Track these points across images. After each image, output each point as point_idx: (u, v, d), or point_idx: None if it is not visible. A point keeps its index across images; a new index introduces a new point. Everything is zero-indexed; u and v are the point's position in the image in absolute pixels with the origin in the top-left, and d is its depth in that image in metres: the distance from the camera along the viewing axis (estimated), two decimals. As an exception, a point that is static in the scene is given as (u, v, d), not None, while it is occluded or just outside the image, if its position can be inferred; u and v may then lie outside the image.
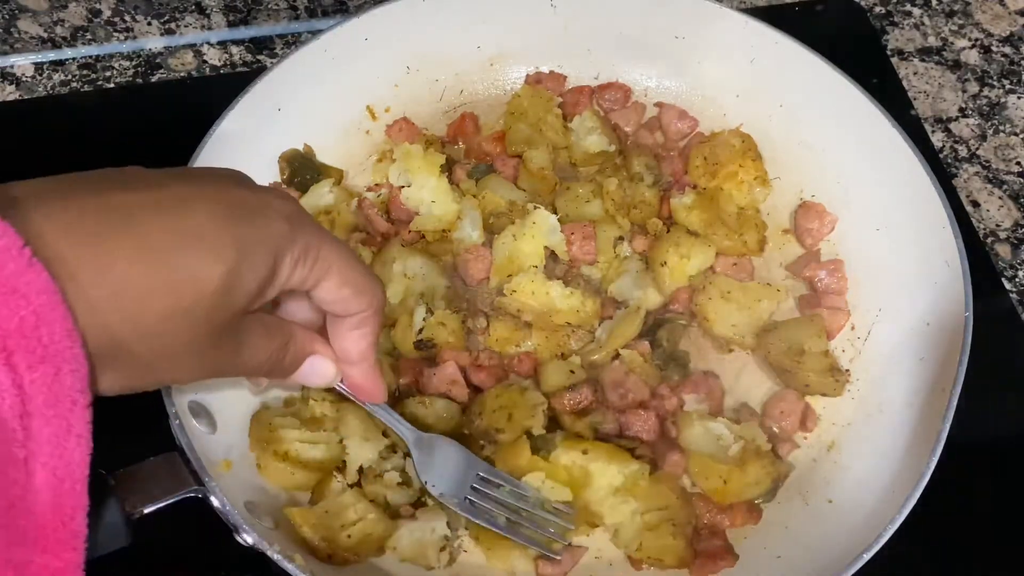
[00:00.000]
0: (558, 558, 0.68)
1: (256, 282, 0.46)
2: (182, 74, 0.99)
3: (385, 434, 0.71)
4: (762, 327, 0.78)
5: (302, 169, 0.84)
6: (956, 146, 0.99)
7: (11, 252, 0.37)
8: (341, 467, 0.71)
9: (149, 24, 1.02)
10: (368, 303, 0.53)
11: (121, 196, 0.43)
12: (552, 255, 0.81)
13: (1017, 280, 0.91)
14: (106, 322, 0.41)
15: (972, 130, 1.00)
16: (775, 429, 0.75)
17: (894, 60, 1.04)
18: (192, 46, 1.01)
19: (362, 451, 0.70)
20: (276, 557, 0.60)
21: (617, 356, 0.77)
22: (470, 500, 0.68)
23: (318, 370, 0.56)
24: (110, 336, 0.41)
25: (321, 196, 0.82)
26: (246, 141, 0.80)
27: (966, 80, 1.03)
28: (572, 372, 0.75)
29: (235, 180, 0.49)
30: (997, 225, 0.94)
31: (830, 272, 0.81)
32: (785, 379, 0.77)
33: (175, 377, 0.48)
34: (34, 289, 0.37)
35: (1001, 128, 1.00)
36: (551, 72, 0.92)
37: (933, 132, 0.99)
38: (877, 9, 1.08)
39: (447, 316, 0.77)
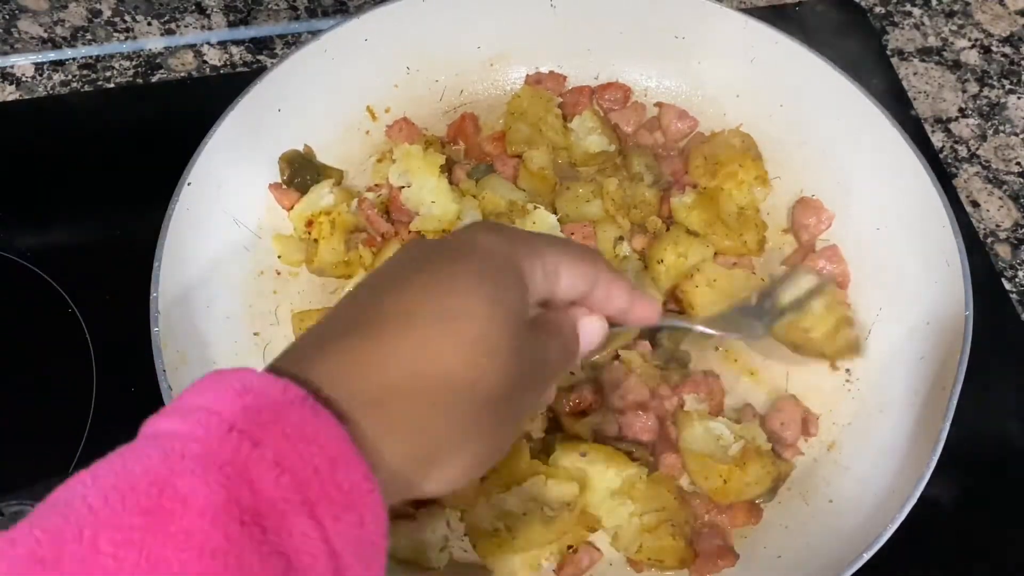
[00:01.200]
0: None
1: (514, 305, 0.44)
2: (182, 74, 0.99)
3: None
4: None
5: (302, 169, 0.84)
6: (956, 146, 0.99)
7: (296, 403, 0.37)
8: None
9: (149, 24, 1.02)
10: (596, 271, 0.51)
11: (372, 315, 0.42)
12: (552, 255, 0.81)
13: (1017, 280, 0.91)
14: (399, 450, 0.40)
15: (972, 130, 1.00)
16: (779, 438, 0.75)
17: (894, 60, 1.04)
18: (192, 46, 1.01)
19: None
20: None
21: (617, 357, 0.77)
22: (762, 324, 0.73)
23: (590, 332, 0.53)
24: (409, 458, 0.40)
25: (321, 196, 0.82)
26: (246, 141, 0.80)
27: (966, 80, 1.03)
28: (572, 373, 0.75)
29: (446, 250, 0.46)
30: (997, 225, 0.94)
31: (829, 259, 0.81)
32: (801, 352, 0.76)
33: (505, 443, 0.46)
34: (325, 436, 0.36)
35: (1001, 128, 1.00)
36: (551, 72, 0.92)
37: (933, 132, 0.99)
38: (877, 9, 1.08)
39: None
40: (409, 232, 0.82)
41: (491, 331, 0.42)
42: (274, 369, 0.40)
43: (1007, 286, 0.90)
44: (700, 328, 0.69)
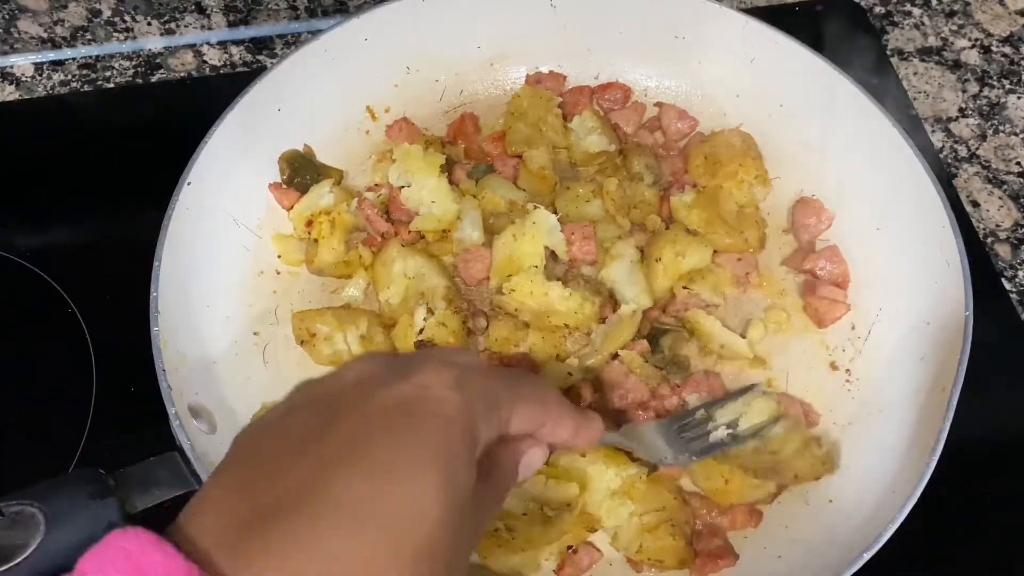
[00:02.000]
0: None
1: (465, 487, 0.42)
2: (182, 74, 0.99)
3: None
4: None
5: (302, 169, 0.84)
6: (956, 146, 0.99)
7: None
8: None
9: (149, 24, 1.02)
10: (545, 413, 0.51)
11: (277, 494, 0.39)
12: (552, 255, 0.81)
13: (1017, 280, 0.91)
14: None
15: (972, 130, 1.00)
16: None
17: (894, 60, 1.04)
18: (192, 46, 1.01)
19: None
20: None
21: (616, 357, 0.77)
22: (691, 451, 0.70)
23: (532, 463, 0.53)
24: None
25: (321, 196, 0.82)
26: (246, 141, 0.80)
27: (966, 80, 1.03)
28: (570, 374, 0.75)
29: (382, 405, 0.43)
30: (997, 225, 0.94)
31: (829, 259, 0.82)
32: (771, 477, 0.72)
33: None
34: None
35: (1001, 128, 1.00)
36: (551, 72, 0.92)
37: (933, 132, 0.99)
38: (877, 9, 1.08)
39: (448, 316, 0.77)
40: (409, 232, 0.82)
41: (438, 533, 0.40)
42: (194, 552, 0.37)
43: (1007, 286, 0.90)
44: (617, 440, 0.68)
